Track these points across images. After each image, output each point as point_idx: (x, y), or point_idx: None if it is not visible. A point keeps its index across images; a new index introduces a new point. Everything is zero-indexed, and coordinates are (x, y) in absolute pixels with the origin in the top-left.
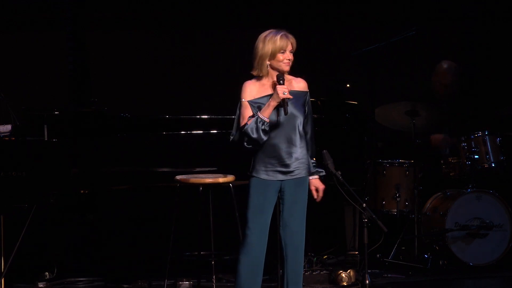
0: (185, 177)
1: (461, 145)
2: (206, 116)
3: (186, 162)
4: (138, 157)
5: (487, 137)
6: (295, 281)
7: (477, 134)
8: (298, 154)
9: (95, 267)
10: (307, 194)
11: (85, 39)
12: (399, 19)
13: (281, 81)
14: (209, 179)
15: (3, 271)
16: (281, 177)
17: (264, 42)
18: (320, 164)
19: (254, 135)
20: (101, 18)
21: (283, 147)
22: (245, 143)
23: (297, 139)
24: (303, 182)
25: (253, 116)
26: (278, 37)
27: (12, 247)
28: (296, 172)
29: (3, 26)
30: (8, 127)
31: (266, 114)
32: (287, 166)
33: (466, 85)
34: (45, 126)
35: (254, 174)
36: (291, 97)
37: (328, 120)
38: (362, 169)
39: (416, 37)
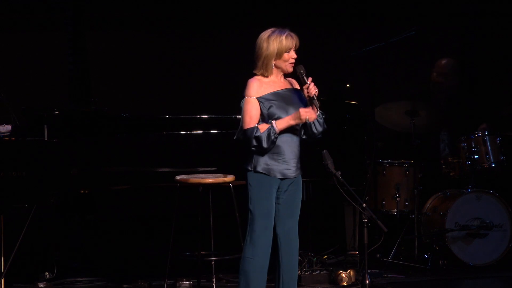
0: (185, 177)
1: (461, 145)
2: (206, 116)
3: (186, 162)
4: (138, 157)
5: (487, 137)
6: (288, 281)
7: (477, 134)
8: (297, 153)
9: (95, 267)
10: (301, 193)
11: (85, 39)
12: (399, 19)
13: (304, 76)
14: (209, 179)
15: (3, 271)
16: (281, 175)
17: (268, 41)
18: (320, 164)
19: (265, 145)
20: (101, 18)
21: (286, 146)
22: (252, 148)
23: (298, 138)
24: (299, 180)
25: (264, 120)
26: (284, 36)
27: (12, 247)
28: (294, 171)
29: (3, 26)
30: (8, 127)
31: (280, 127)
32: (288, 164)
33: (466, 85)
34: (45, 126)
35: (259, 170)
36: (313, 116)
37: (328, 120)
38: (362, 169)
39: (416, 37)
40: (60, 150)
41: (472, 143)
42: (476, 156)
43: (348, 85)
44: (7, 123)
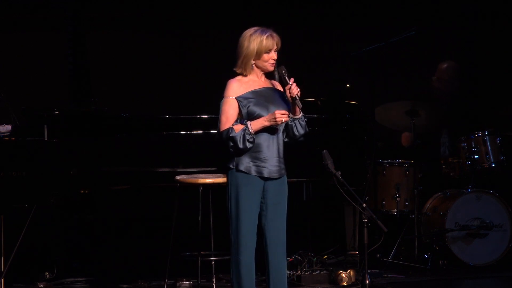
0: (185, 177)
1: (461, 145)
2: (206, 116)
3: (186, 162)
4: (138, 157)
5: (487, 137)
6: (277, 280)
7: (477, 134)
8: (280, 153)
9: (95, 267)
10: (287, 193)
11: (85, 39)
12: (399, 19)
13: (286, 77)
14: (209, 179)
15: (3, 271)
16: (263, 174)
17: (249, 40)
18: (320, 164)
19: (241, 145)
20: (101, 18)
21: (268, 145)
22: (230, 149)
23: (281, 138)
24: (284, 181)
25: (240, 121)
26: (264, 37)
27: (12, 247)
28: (278, 171)
29: (3, 26)
30: (8, 127)
31: (255, 128)
32: (270, 164)
33: (467, 85)
34: (45, 126)
35: (241, 168)
36: (288, 119)
37: (328, 120)
38: (362, 169)
39: (416, 37)
40: (60, 150)
41: (472, 143)
42: (476, 156)
43: (348, 85)
44: (7, 123)
